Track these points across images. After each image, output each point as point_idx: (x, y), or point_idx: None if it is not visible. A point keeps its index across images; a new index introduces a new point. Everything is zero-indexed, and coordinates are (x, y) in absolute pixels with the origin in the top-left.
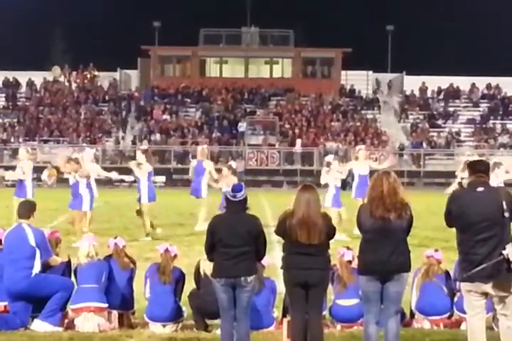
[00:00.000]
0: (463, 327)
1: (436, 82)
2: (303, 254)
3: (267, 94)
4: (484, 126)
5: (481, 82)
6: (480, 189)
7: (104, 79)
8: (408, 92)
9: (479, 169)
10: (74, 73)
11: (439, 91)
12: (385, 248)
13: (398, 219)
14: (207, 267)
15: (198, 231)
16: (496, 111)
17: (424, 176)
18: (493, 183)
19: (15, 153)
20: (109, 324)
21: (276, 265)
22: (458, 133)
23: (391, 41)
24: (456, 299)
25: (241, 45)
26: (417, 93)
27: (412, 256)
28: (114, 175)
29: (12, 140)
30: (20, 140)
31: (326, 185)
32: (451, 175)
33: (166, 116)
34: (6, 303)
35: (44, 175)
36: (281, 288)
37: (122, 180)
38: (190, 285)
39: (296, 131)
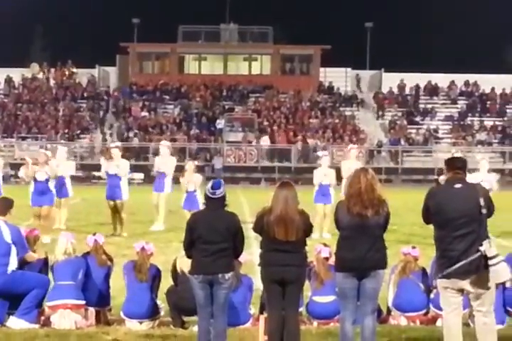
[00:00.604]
0: (439, 323)
1: (414, 79)
2: (280, 251)
3: (246, 91)
4: (462, 123)
5: (460, 79)
6: (457, 185)
7: (82, 76)
8: (387, 89)
9: (457, 166)
10: (52, 70)
11: (418, 88)
12: (362, 245)
13: (375, 215)
14: (184, 264)
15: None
16: (473, 108)
17: (402, 173)
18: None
19: None
20: (86, 321)
21: (254, 262)
22: (436, 130)
23: (370, 38)
24: (432, 296)
25: (220, 41)
26: (395, 90)
27: (389, 252)
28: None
29: None
30: None
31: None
32: (429, 171)
33: (144, 113)
34: None
35: (21, 172)
36: (258, 284)
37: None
38: (167, 282)
39: (275, 127)
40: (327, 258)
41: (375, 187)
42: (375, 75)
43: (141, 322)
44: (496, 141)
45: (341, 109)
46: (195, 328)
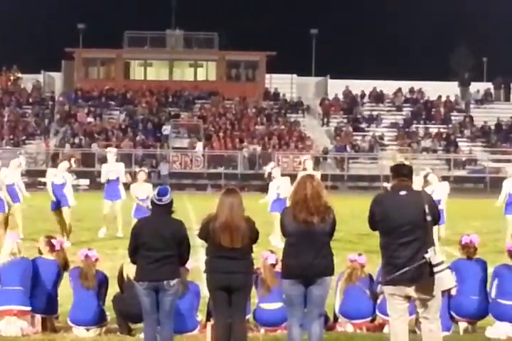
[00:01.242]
0: (386, 330)
1: (360, 86)
2: (226, 258)
3: (191, 97)
4: (407, 130)
5: (405, 86)
6: (403, 192)
7: (27, 81)
8: (332, 96)
9: (402, 173)
10: None
11: (363, 95)
12: (308, 251)
13: (321, 222)
14: (130, 270)
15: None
16: (418, 115)
17: (347, 180)
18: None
19: None
20: (33, 328)
21: (200, 268)
22: (381, 137)
23: (315, 45)
24: (378, 302)
25: (165, 47)
26: (340, 97)
27: (335, 259)
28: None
29: None
30: None
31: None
32: (375, 178)
33: (90, 119)
34: None
35: None
36: (205, 291)
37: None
38: (113, 288)
39: (221, 134)
40: (274, 265)
41: (321, 194)
42: (320, 82)
43: (88, 329)
44: (441, 148)
45: (287, 115)
46: (142, 335)
